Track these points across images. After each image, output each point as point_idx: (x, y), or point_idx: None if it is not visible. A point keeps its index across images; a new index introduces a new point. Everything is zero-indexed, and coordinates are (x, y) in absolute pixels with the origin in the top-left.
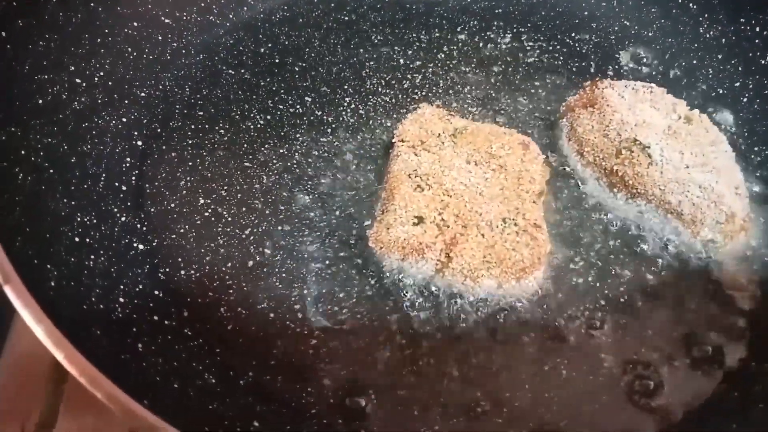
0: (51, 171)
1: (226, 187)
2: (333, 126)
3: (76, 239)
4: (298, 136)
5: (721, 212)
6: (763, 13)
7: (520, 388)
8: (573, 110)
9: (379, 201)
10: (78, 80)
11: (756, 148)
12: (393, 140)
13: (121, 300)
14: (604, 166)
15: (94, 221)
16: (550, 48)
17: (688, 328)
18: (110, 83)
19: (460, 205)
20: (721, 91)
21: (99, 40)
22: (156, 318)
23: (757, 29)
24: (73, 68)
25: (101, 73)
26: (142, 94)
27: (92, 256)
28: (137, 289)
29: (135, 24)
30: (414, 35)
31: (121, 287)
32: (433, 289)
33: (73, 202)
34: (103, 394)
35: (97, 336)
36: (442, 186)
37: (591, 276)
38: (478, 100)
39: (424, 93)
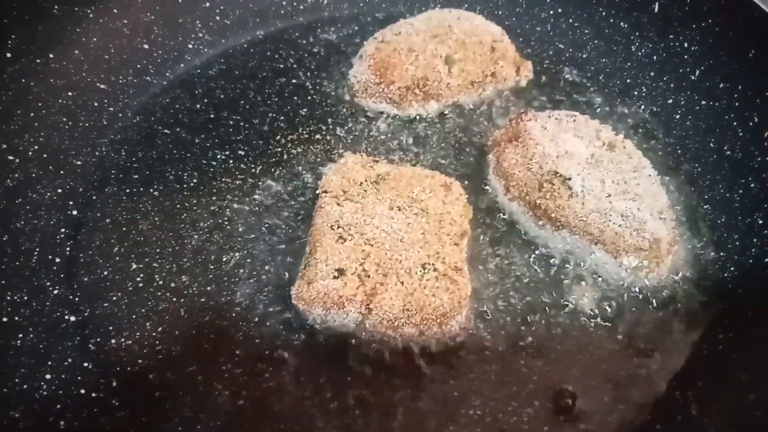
0: None
1: (158, 250)
2: (264, 178)
3: (4, 319)
4: (229, 192)
5: (644, 239)
6: (689, 29)
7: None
8: (499, 144)
9: (304, 255)
10: (11, 157)
11: (688, 165)
12: (317, 192)
13: (48, 377)
14: (528, 200)
15: (25, 298)
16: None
17: (615, 359)
18: (45, 155)
19: (381, 253)
20: (654, 109)
21: (32, 114)
22: (83, 391)
23: (685, 45)
24: (5, 146)
25: (35, 147)
26: (78, 163)
27: (20, 335)
28: (66, 363)
29: (69, 93)
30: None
31: (49, 363)
32: (360, 339)
33: (2, 282)
34: None
35: (15, 419)
36: (364, 235)
37: (518, 311)
38: (411, 141)
39: (355, 139)
